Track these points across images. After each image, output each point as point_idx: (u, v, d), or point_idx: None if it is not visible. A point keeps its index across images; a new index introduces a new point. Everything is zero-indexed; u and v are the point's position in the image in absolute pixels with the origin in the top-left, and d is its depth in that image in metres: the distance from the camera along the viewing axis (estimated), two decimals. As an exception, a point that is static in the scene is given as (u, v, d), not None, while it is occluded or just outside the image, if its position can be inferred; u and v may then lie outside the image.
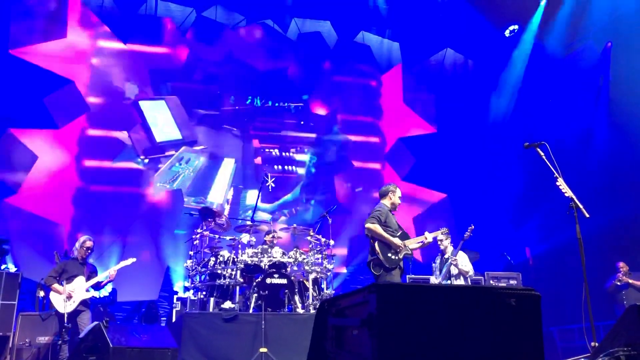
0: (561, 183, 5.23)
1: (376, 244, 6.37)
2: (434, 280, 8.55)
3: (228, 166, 11.83)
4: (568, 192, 5.17)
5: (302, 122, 12.56)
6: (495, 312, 2.78)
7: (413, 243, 6.63)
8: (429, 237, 6.78)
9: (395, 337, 2.54)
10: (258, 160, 12.11)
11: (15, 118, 10.46)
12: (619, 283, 9.50)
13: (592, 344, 4.56)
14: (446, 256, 8.39)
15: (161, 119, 11.61)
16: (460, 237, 8.40)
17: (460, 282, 8.24)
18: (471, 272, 8.31)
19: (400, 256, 6.42)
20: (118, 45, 11.54)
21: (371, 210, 6.71)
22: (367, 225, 6.44)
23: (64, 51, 11.00)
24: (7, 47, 10.45)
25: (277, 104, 12.46)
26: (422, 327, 2.62)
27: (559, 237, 10.45)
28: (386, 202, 6.80)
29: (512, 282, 9.26)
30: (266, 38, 12.54)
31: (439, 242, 8.48)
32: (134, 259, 7.93)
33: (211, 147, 11.87)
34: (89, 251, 7.45)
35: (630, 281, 9.45)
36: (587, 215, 5.06)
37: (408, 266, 10.16)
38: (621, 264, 9.63)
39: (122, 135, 11.40)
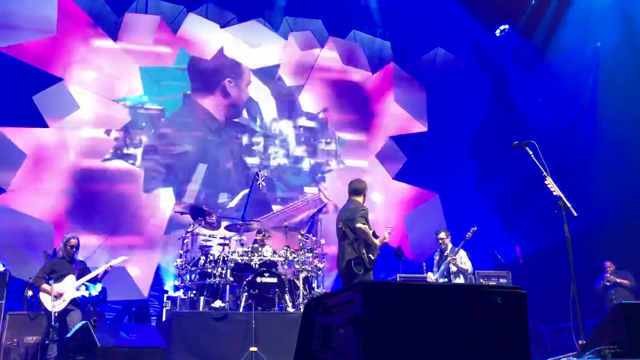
0: (550, 182, 5.25)
1: (362, 244, 6.33)
2: (431, 276, 8.58)
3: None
4: (556, 191, 5.20)
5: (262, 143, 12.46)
6: (482, 310, 2.79)
7: (379, 242, 6.68)
8: (386, 236, 6.80)
9: (380, 335, 2.54)
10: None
11: (4, 116, 10.36)
12: (608, 284, 9.57)
13: (580, 341, 4.58)
14: (446, 254, 8.44)
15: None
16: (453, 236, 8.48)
17: (460, 280, 8.30)
18: (470, 269, 8.39)
19: (376, 256, 6.48)
20: (108, 43, 11.46)
21: (351, 208, 6.54)
22: (359, 225, 6.28)
23: (53, 48, 10.90)
24: (-5, 45, 10.37)
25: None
26: (408, 326, 2.62)
27: (549, 235, 10.50)
28: (361, 199, 6.69)
29: (502, 280, 9.31)
30: (258, 36, 12.48)
31: (440, 241, 8.55)
32: (126, 257, 7.88)
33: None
34: (74, 249, 7.37)
35: (618, 280, 9.54)
36: (575, 214, 5.09)
37: (399, 265, 10.22)
38: (608, 264, 9.70)
39: (112, 134, 11.35)
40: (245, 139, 12.30)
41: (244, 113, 12.38)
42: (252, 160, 12.23)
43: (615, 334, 3.51)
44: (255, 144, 12.37)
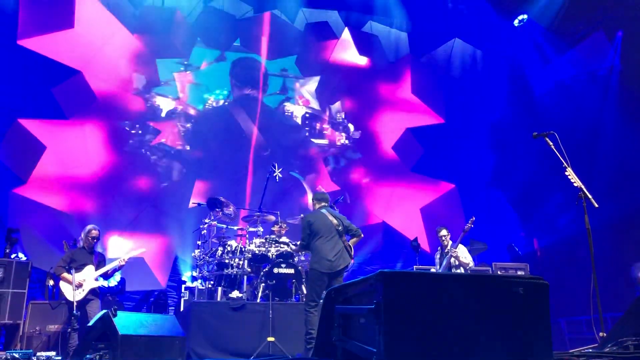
0: (570, 173, 5.18)
1: (351, 249, 6.72)
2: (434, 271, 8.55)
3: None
4: (577, 182, 5.13)
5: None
6: (503, 301, 2.77)
7: None
8: None
9: (402, 325, 2.54)
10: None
11: (24, 108, 10.49)
12: None
13: (601, 334, 4.54)
14: (446, 250, 8.37)
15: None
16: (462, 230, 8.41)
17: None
18: (471, 263, 8.31)
19: None
20: (126, 35, 11.52)
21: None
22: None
23: (71, 41, 10.97)
24: (15, 38, 10.44)
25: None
26: (429, 316, 2.61)
27: (566, 228, 10.39)
28: None
29: (519, 272, 9.25)
30: (273, 28, 12.48)
31: (442, 239, 8.49)
32: (144, 249, 7.92)
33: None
34: (95, 240, 7.44)
35: None
36: (596, 205, 5.02)
37: (415, 257, 10.20)
38: None
39: (130, 125, 11.45)
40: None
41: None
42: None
43: (638, 325, 3.46)
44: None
